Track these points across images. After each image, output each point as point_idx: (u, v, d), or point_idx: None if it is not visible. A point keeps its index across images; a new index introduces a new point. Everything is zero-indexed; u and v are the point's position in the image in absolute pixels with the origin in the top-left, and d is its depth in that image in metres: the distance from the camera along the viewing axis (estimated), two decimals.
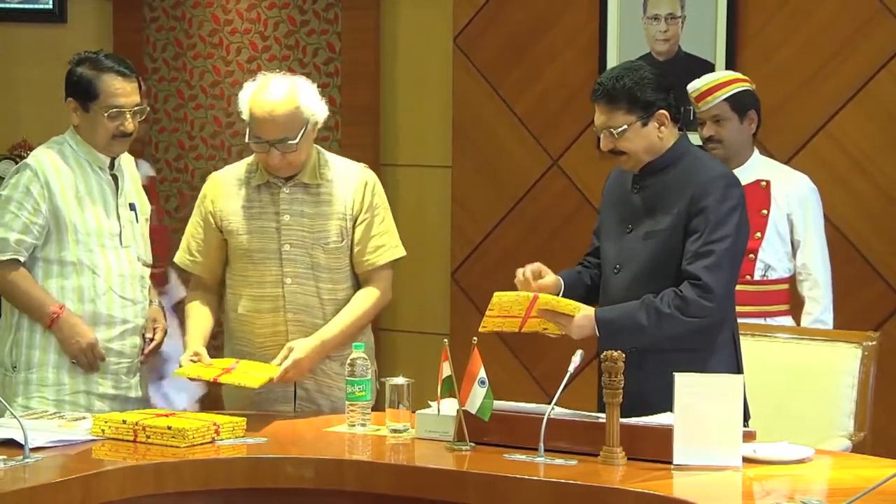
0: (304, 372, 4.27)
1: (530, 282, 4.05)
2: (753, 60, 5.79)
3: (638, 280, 3.97)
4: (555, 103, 6.14)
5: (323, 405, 4.37)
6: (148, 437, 3.88)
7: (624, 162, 4.03)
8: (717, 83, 5.04)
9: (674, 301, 3.88)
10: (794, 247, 5.00)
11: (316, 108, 4.28)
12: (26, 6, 7.02)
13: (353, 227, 4.35)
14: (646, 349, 3.91)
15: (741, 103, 5.00)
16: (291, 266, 4.32)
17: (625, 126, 3.95)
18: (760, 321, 4.89)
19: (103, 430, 3.94)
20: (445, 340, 3.92)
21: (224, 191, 4.39)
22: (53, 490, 3.50)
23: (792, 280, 5.03)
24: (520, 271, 4.08)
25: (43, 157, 4.35)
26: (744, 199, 3.99)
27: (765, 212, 4.98)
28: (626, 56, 5.87)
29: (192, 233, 4.45)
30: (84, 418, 4.07)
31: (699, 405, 3.59)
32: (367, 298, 4.37)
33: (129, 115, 4.32)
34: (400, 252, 4.45)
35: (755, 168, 5.03)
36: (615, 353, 3.64)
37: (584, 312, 3.95)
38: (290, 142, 4.21)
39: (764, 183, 5.01)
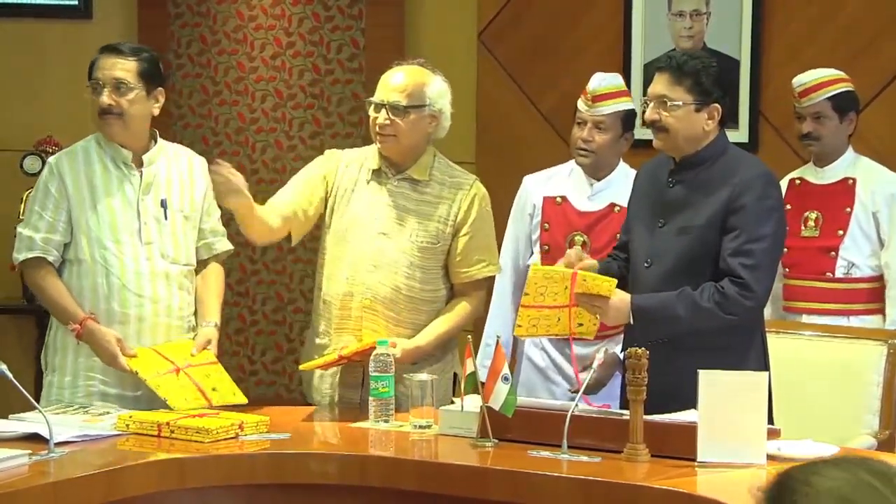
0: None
1: (573, 264, 4.02)
2: (779, 57, 5.76)
3: (671, 274, 3.96)
4: None
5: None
6: (172, 432, 3.89)
7: (662, 139, 4.00)
8: (822, 80, 5.04)
9: (714, 296, 3.86)
10: (882, 246, 4.97)
11: (440, 101, 4.35)
12: (52, 2, 7.03)
13: (455, 235, 4.36)
14: (677, 348, 3.90)
15: (843, 103, 5.03)
16: (380, 255, 4.32)
17: (680, 102, 3.95)
18: (843, 320, 4.88)
19: (128, 426, 3.95)
20: (469, 337, 3.92)
21: (339, 169, 4.42)
22: (78, 484, 3.52)
23: (882, 279, 4.98)
24: (567, 255, 4.05)
25: (62, 155, 4.31)
26: (782, 200, 4.02)
27: (848, 209, 4.98)
28: (651, 52, 5.85)
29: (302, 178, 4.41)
30: (108, 413, 4.07)
31: (724, 402, 3.58)
32: (462, 311, 4.37)
33: (105, 89, 4.20)
34: (497, 269, 4.49)
35: (845, 166, 5.05)
36: (639, 350, 3.63)
37: (620, 296, 3.93)
38: (402, 105, 4.25)
39: (851, 181, 5.02)
